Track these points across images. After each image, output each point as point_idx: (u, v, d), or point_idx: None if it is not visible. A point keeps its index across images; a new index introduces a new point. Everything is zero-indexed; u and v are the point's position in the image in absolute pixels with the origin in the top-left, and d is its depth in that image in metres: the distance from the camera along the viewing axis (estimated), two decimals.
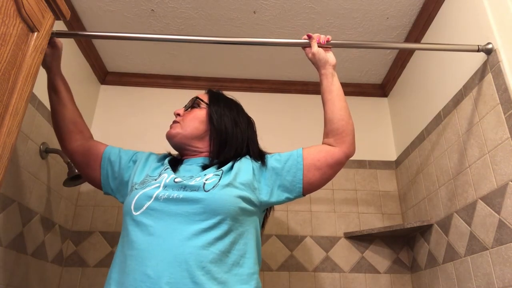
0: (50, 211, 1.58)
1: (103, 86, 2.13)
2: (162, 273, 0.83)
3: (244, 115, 1.20)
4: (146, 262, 0.85)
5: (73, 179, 1.52)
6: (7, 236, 1.28)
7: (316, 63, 1.17)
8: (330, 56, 1.15)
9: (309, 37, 1.17)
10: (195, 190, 0.93)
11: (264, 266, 1.76)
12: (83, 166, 1.15)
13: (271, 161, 1.08)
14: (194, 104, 1.17)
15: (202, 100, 1.17)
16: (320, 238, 1.82)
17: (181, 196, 0.92)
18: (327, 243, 1.81)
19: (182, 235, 0.87)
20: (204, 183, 0.95)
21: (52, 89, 1.17)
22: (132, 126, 2.01)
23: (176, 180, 0.97)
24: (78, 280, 1.69)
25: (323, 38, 1.16)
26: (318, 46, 1.15)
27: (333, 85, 1.13)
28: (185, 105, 1.20)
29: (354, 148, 1.09)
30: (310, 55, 1.17)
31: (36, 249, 1.47)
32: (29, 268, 1.42)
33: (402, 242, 1.82)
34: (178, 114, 1.16)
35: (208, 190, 0.93)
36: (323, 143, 1.11)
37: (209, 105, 1.16)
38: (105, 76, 2.13)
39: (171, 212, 0.91)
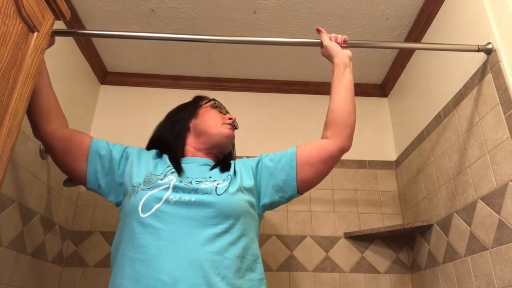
0: (50, 211, 1.58)
1: (103, 86, 2.13)
2: (178, 279, 0.80)
3: None
4: (159, 268, 0.82)
5: (73, 179, 1.52)
6: (7, 236, 1.28)
7: (329, 55, 1.16)
8: (345, 50, 1.15)
9: (319, 31, 1.17)
10: (207, 194, 0.92)
11: (264, 266, 1.74)
12: (62, 153, 1.05)
13: (265, 161, 1.07)
14: (226, 111, 1.24)
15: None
16: (320, 238, 1.82)
17: (193, 199, 0.90)
18: (327, 243, 1.81)
19: (196, 240, 0.86)
20: (216, 187, 0.93)
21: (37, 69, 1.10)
22: (132, 126, 2.00)
23: (186, 183, 0.95)
24: (78, 280, 1.69)
25: (340, 38, 1.16)
26: None
27: (343, 76, 1.10)
28: (222, 108, 1.25)
29: (350, 143, 1.06)
30: (322, 50, 1.17)
31: (36, 249, 1.47)
32: (29, 268, 1.42)
33: (402, 242, 1.82)
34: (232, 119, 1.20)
35: (221, 194, 0.92)
36: (321, 137, 1.09)
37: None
38: (105, 76, 2.13)
39: (182, 215, 0.88)
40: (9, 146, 0.75)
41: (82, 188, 1.85)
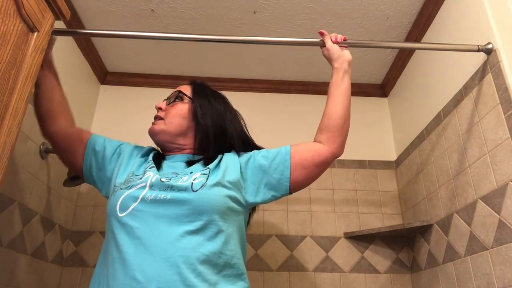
0: (50, 211, 1.58)
1: (103, 86, 2.13)
2: (151, 277, 0.81)
3: (230, 107, 1.17)
4: (134, 266, 0.82)
5: (73, 179, 1.52)
6: (7, 236, 1.28)
7: (330, 58, 1.16)
8: (345, 52, 1.14)
9: (322, 34, 1.17)
10: (182, 190, 0.90)
11: (264, 266, 1.76)
12: (63, 150, 1.10)
13: (258, 157, 1.05)
14: (177, 98, 1.13)
15: (185, 94, 1.13)
16: (320, 238, 1.82)
17: (168, 197, 0.90)
18: (327, 243, 1.81)
19: (170, 237, 0.85)
20: (192, 183, 0.92)
21: (44, 67, 1.08)
22: (132, 126, 2.00)
23: (162, 179, 0.94)
24: (78, 280, 1.69)
25: (340, 37, 1.16)
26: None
27: (342, 82, 1.11)
28: (167, 98, 1.15)
29: (342, 150, 1.08)
30: (325, 52, 1.17)
31: (36, 249, 1.47)
32: (29, 268, 1.42)
33: (402, 242, 1.82)
34: (160, 108, 1.12)
35: (196, 190, 0.90)
36: (314, 140, 1.09)
37: (193, 98, 1.12)
38: (105, 76, 2.13)
39: (158, 213, 0.88)
40: (9, 146, 0.75)
41: (82, 188, 1.86)
